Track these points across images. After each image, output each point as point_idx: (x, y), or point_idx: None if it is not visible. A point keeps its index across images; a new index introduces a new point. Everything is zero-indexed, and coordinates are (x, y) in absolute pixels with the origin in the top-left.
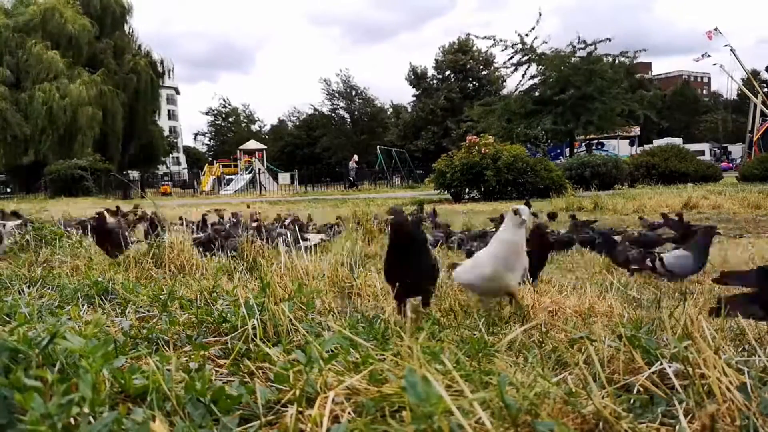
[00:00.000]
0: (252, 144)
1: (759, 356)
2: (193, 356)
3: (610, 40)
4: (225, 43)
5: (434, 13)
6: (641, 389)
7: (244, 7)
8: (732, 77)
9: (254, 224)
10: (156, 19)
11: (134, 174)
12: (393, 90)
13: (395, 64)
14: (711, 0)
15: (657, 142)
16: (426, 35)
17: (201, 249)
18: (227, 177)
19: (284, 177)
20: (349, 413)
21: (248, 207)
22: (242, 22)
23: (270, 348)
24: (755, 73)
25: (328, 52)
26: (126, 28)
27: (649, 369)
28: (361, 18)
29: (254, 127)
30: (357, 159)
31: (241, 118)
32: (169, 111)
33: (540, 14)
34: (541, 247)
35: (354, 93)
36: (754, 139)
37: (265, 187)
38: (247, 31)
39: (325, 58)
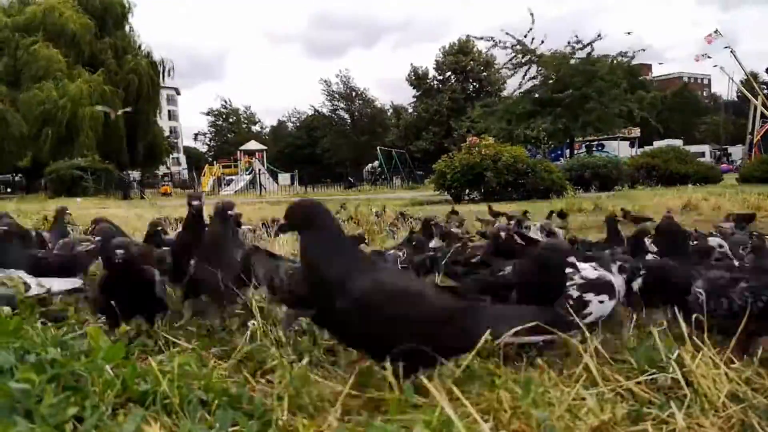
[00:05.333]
0: (252, 145)
1: None
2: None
3: (600, 36)
4: (198, 55)
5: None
6: None
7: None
8: (732, 79)
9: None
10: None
11: (134, 174)
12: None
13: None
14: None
15: (657, 144)
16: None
17: None
18: (227, 177)
19: (284, 178)
20: None
21: None
22: (210, 33)
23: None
24: (755, 75)
25: (293, 62)
26: (126, 27)
27: None
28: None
29: (255, 128)
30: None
31: (242, 119)
32: (169, 111)
33: (532, 14)
34: None
35: (354, 94)
36: (755, 140)
37: (265, 188)
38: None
39: (293, 67)
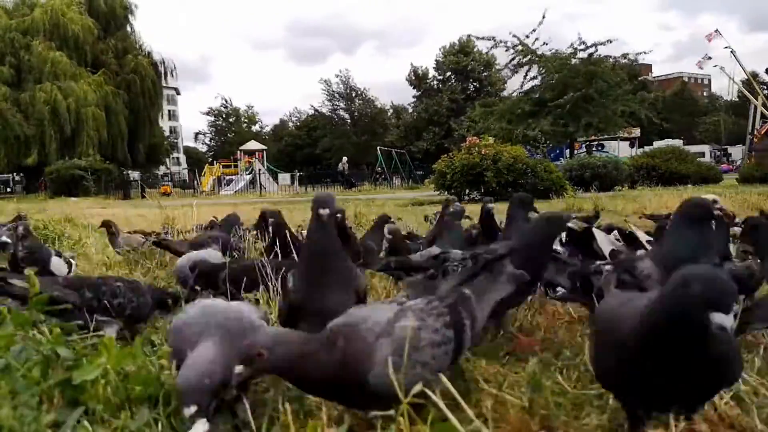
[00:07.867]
0: (252, 144)
1: None
2: None
3: (610, 41)
4: (184, 61)
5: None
6: None
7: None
8: (733, 79)
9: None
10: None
11: (134, 174)
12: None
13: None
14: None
15: (657, 144)
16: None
17: None
18: (227, 177)
19: (284, 178)
20: None
21: None
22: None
23: None
24: (755, 75)
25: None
26: (128, 28)
27: None
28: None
29: (255, 128)
30: (346, 160)
31: (242, 118)
32: (169, 111)
33: (544, 16)
34: None
35: (354, 94)
36: (755, 140)
37: (265, 188)
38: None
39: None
